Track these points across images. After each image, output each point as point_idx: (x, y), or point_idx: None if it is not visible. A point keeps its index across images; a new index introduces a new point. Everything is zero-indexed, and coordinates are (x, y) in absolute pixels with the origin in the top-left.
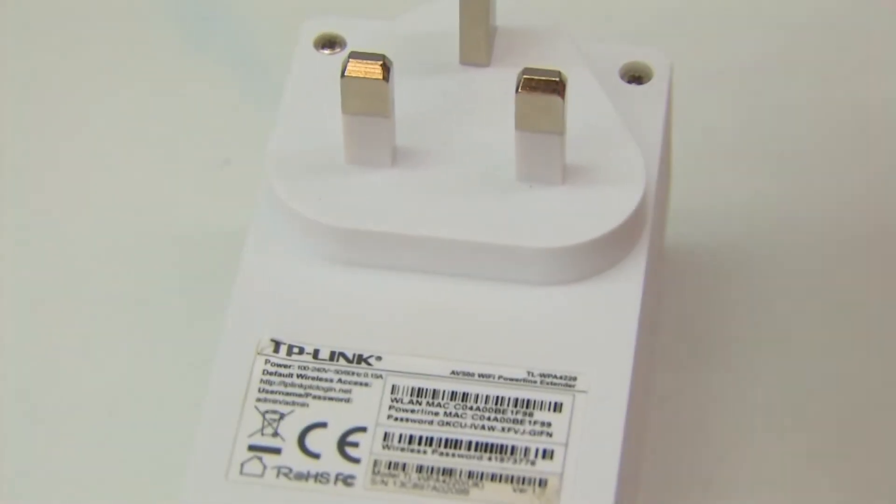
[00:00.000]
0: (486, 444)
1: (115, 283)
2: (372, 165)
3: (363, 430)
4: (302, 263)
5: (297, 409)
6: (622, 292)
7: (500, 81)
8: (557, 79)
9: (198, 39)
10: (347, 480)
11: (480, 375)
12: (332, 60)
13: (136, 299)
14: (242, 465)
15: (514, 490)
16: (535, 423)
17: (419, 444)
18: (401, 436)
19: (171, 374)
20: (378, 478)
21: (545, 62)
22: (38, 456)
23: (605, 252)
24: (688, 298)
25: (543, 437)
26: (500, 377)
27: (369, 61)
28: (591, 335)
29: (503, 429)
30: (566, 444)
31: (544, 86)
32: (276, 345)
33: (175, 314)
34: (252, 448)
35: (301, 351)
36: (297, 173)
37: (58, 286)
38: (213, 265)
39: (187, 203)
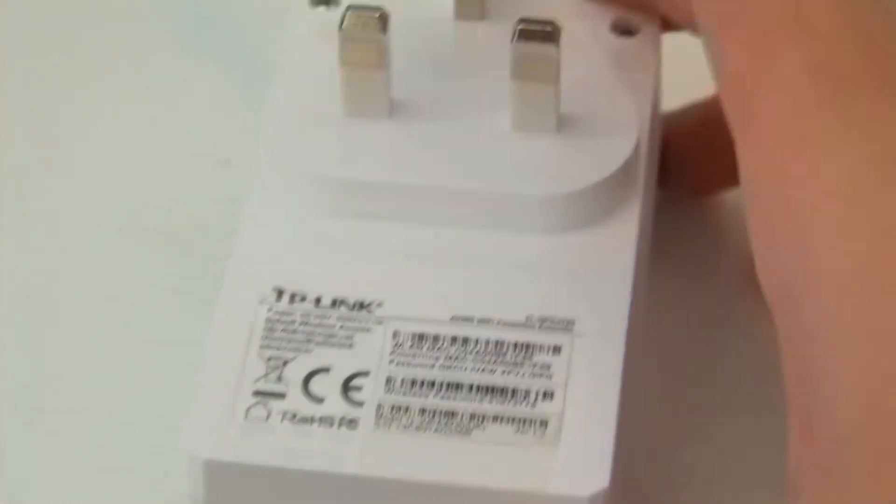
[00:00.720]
0: (487, 387)
1: (115, 283)
2: (369, 118)
3: (366, 374)
4: (302, 215)
5: (301, 356)
6: (617, 238)
7: (495, 35)
8: (552, 28)
9: (198, 40)
10: (351, 423)
11: (480, 321)
12: (328, 16)
13: (135, 299)
14: (248, 409)
15: (516, 431)
16: (534, 365)
17: (421, 387)
18: (403, 380)
19: (170, 373)
20: (382, 420)
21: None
22: (38, 456)
23: (600, 199)
24: None
25: (543, 379)
26: (499, 322)
27: (367, 13)
28: (588, 280)
29: (503, 371)
30: (566, 385)
31: (540, 35)
32: (279, 293)
33: (175, 314)
34: (257, 393)
35: (303, 298)
36: (295, 126)
37: (57, 286)
38: (213, 265)
39: (187, 203)
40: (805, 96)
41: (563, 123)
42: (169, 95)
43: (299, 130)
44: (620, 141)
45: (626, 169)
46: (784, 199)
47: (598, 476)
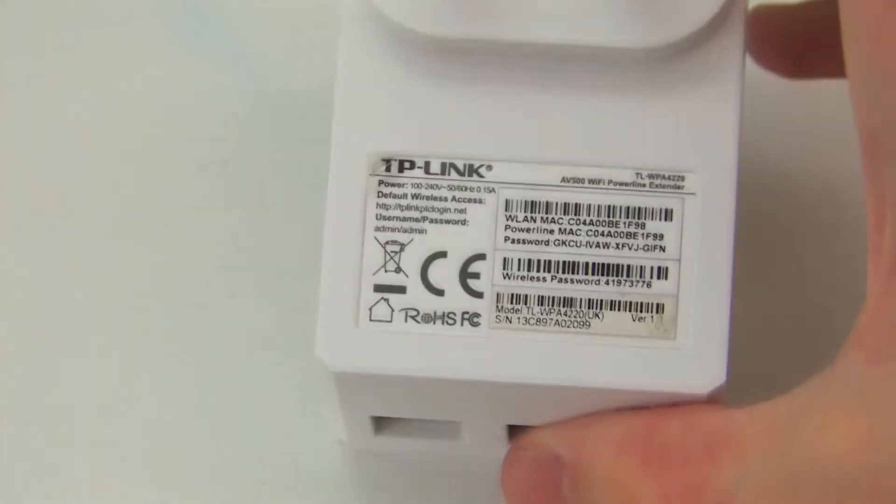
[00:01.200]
0: (603, 266)
1: (114, 284)
2: None
3: (482, 257)
4: (400, 76)
5: (416, 237)
6: (722, 85)
7: None
8: None
9: (197, 40)
10: (473, 319)
11: (590, 181)
12: None
13: (134, 299)
14: (371, 309)
15: (633, 319)
16: (647, 235)
17: (538, 269)
18: (519, 261)
19: (169, 374)
20: (502, 314)
21: None
22: (38, 456)
23: (705, 33)
24: None
25: (657, 252)
26: (609, 181)
27: None
28: (695, 129)
29: (617, 245)
30: (679, 259)
31: None
32: (387, 163)
33: (174, 315)
34: (378, 288)
35: (412, 165)
36: None
37: (56, 286)
38: (213, 266)
39: (186, 204)
40: None
41: None
42: (167, 96)
43: None
44: None
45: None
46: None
47: (716, 371)
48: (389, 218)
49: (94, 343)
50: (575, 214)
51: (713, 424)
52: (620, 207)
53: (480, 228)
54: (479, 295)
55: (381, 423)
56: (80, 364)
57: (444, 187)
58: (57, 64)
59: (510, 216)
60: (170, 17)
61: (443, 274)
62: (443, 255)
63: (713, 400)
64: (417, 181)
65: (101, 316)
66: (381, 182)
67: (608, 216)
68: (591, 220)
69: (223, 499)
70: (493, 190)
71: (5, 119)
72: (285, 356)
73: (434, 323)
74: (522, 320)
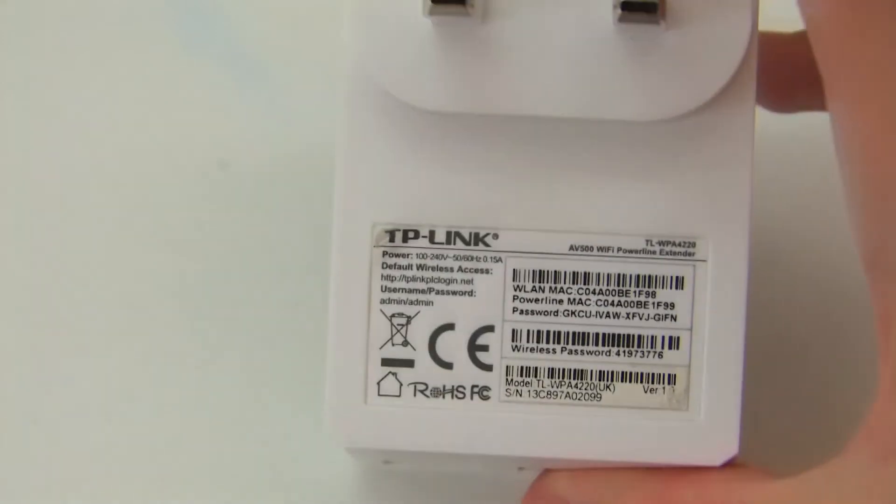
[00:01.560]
0: (613, 336)
1: (113, 284)
2: (459, 26)
3: (491, 329)
4: (403, 146)
5: (423, 309)
6: (733, 147)
7: None
8: None
9: (196, 41)
10: (483, 393)
11: (599, 249)
12: None
13: (134, 300)
14: (379, 384)
15: (646, 391)
16: (658, 304)
17: (547, 341)
18: (528, 333)
19: (169, 374)
20: (512, 387)
21: None
22: (38, 456)
23: (717, 104)
24: None
25: (668, 322)
26: (619, 249)
27: None
28: (707, 194)
29: (628, 315)
30: (691, 329)
31: None
32: (391, 234)
33: (173, 315)
34: (386, 362)
35: (416, 234)
36: (382, 44)
37: (56, 287)
38: (212, 265)
39: (184, 205)
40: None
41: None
42: (166, 97)
43: (387, 49)
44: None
45: (741, 71)
46: (876, 171)
47: (728, 443)
48: (395, 290)
49: (94, 343)
50: (584, 284)
51: (728, 499)
52: (630, 276)
53: (488, 299)
54: (488, 368)
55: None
56: (81, 364)
57: (449, 257)
58: (57, 64)
59: (518, 286)
60: (170, 17)
61: (451, 346)
62: (450, 327)
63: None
64: (423, 251)
65: (101, 316)
66: (385, 253)
67: (618, 285)
68: (601, 290)
69: (223, 499)
70: (500, 259)
71: (5, 119)
72: (285, 356)
73: (443, 397)
74: (533, 393)
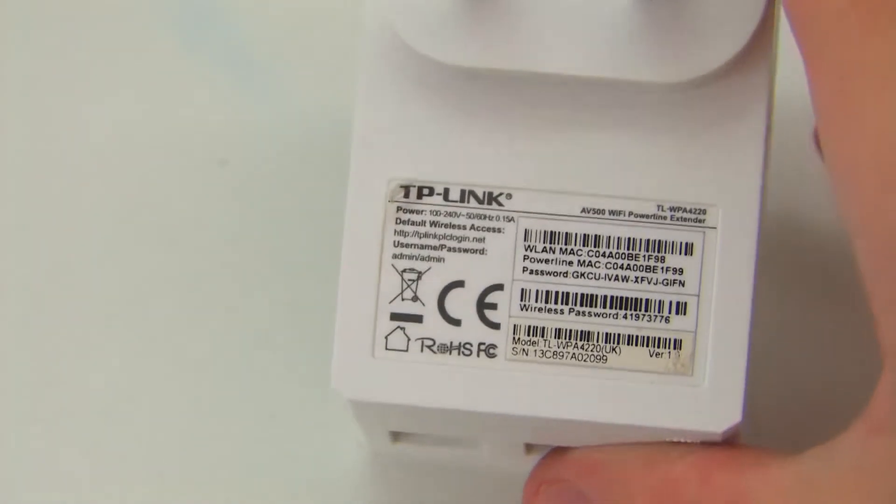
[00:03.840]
0: (621, 299)
1: (113, 283)
2: None
3: (500, 287)
4: (420, 103)
5: (434, 265)
6: (747, 96)
7: None
8: None
9: (195, 39)
10: (490, 351)
11: (611, 213)
12: None
13: (133, 299)
14: (387, 338)
15: (651, 355)
16: (667, 269)
17: (556, 301)
18: (537, 293)
19: (170, 374)
20: (519, 346)
21: None
22: (38, 456)
23: (731, 67)
24: None
25: (676, 287)
26: (630, 213)
27: None
28: (719, 162)
29: (636, 279)
30: (698, 295)
31: None
32: (406, 189)
33: (173, 314)
34: (394, 316)
35: (431, 192)
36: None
37: (56, 286)
38: (212, 265)
39: (184, 203)
40: (848, 28)
41: None
42: (165, 95)
43: (409, 4)
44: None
45: (758, 37)
46: (830, 139)
47: (732, 410)
48: (407, 245)
49: (94, 343)
50: (595, 246)
51: (731, 487)
52: (641, 240)
53: (499, 258)
54: (496, 326)
55: (398, 434)
56: (80, 364)
57: (462, 215)
58: (57, 64)
59: (529, 246)
60: (170, 17)
61: (460, 304)
62: (460, 284)
63: (729, 437)
64: (436, 208)
65: (101, 315)
66: (399, 209)
67: (628, 249)
68: (611, 253)
69: (224, 498)
70: (512, 219)
71: (5, 119)
72: (286, 355)
73: (450, 353)
74: (539, 353)
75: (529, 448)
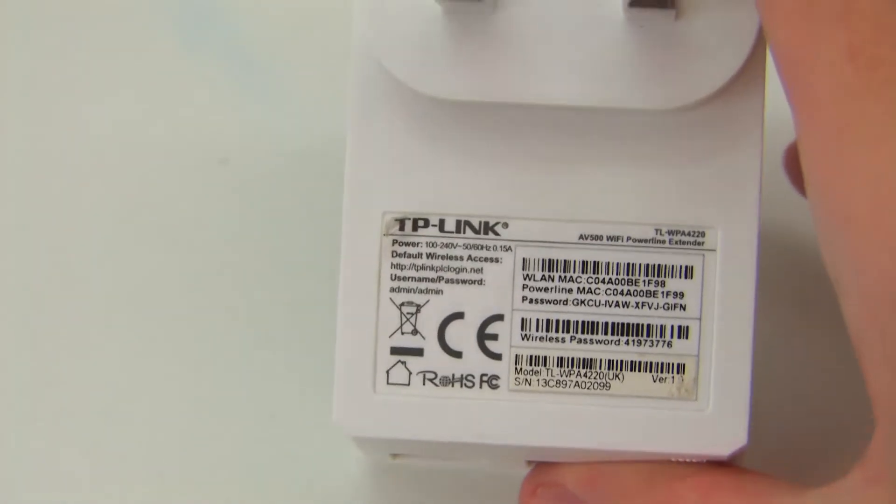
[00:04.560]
0: (622, 326)
1: (114, 283)
2: (471, 14)
3: (500, 317)
4: (412, 134)
5: (433, 298)
6: (742, 119)
7: None
8: None
9: (195, 38)
10: (492, 382)
11: (609, 238)
12: None
13: (134, 298)
14: (388, 373)
15: (654, 380)
16: (667, 293)
17: (557, 330)
18: (538, 322)
19: (170, 374)
20: (521, 376)
21: None
22: (38, 456)
23: (726, 91)
24: None
25: (677, 311)
26: (628, 238)
27: None
28: (717, 185)
29: (637, 304)
30: (700, 318)
31: None
32: (401, 222)
33: (173, 313)
34: (395, 350)
35: (426, 223)
36: (391, 32)
37: (56, 286)
38: (212, 265)
39: (184, 202)
40: (844, 82)
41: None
42: (166, 94)
43: (396, 36)
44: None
45: (752, 61)
46: (822, 193)
47: (737, 434)
48: (405, 278)
49: (94, 343)
50: (594, 273)
51: None
52: (640, 265)
53: (498, 288)
54: (497, 357)
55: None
56: (80, 364)
57: (459, 245)
58: (57, 64)
59: (528, 275)
60: (170, 17)
61: (460, 335)
62: (460, 316)
63: (733, 461)
64: (432, 240)
65: (101, 315)
66: (395, 242)
67: (628, 274)
68: (611, 279)
69: (223, 499)
70: (509, 248)
71: (5, 119)
72: (286, 355)
73: (452, 386)
74: (542, 382)
75: (530, 462)
